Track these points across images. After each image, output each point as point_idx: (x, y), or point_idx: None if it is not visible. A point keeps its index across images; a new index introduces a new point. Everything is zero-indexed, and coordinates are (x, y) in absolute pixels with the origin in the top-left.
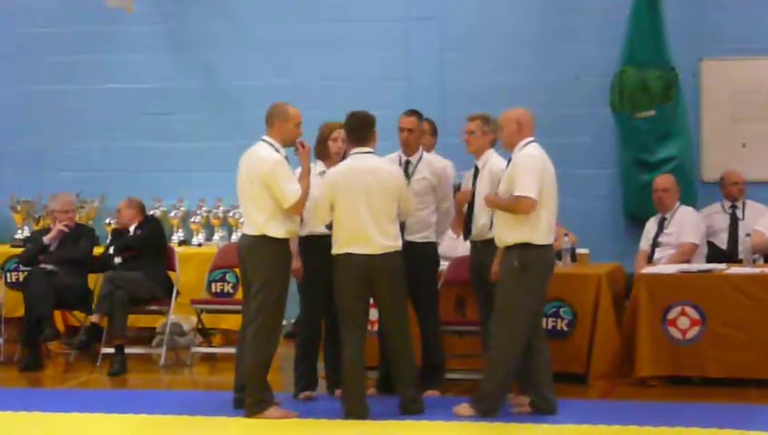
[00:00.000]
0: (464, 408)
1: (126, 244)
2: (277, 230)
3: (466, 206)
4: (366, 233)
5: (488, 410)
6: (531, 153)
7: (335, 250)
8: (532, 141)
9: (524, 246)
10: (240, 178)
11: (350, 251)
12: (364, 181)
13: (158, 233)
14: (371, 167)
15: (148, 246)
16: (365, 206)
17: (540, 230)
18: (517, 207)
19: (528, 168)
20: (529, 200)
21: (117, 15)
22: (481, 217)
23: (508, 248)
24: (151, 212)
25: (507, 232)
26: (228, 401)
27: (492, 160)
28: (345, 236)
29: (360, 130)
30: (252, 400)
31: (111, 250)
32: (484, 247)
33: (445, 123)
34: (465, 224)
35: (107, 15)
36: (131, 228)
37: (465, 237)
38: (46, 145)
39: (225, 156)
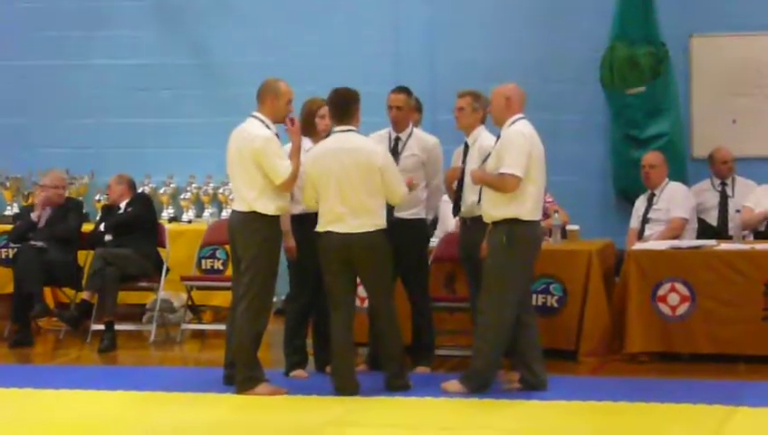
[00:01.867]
0: (453, 384)
1: (117, 221)
2: (267, 207)
3: (456, 182)
4: (339, 213)
5: (478, 386)
6: (519, 130)
7: (318, 228)
8: (522, 118)
9: (511, 222)
10: (230, 155)
11: (329, 229)
12: (338, 161)
13: (148, 210)
14: (347, 146)
15: (139, 223)
16: (338, 186)
17: (527, 206)
18: (502, 184)
19: (514, 145)
20: (514, 178)
21: None
22: (470, 194)
23: (495, 224)
24: (141, 189)
25: (494, 208)
26: (218, 378)
27: (482, 137)
28: (324, 216)
29: (342, 107)
30: (242, 376)
31: (102, 227)
32: (473, 224)
33: (435, 99)
34: (454, 201)
35: None
36: (122, 205)
37: (455, 214)
38: (35, 121)
39: (214, 132)
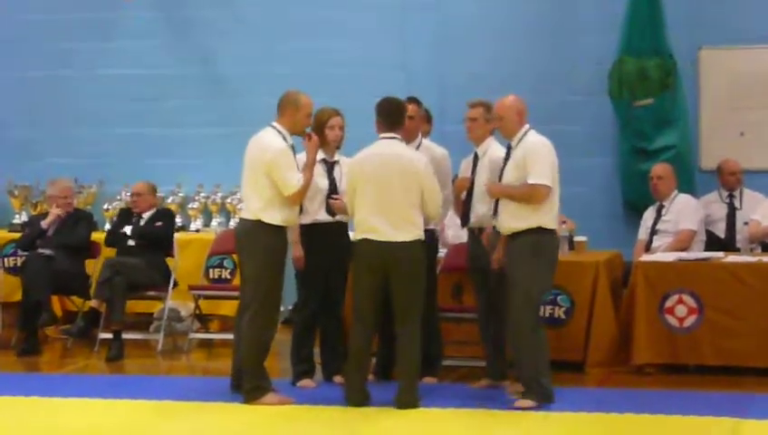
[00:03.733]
0: (523, 402)
1: (145, 232)
2: (273, 217)
3: (464, 193)
4: (379, 222)
5: (543, 395)
6: (542, 141)
7: (354, 236)
8: (531, 128)
9: (537, 231)
10: (245, 162)
11: (366, 237)
12: (385, 167)
13: (173, 226)
14: (395, 153)
15: (161, 238)
16: (381, 193)
17: (551, 215)
18: (533, 195)
19: (541, 155)
20: (545, 188)
21: (115, 2)
22: (480, 205)
23: (517, 235)
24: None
25: (517, 219)
26: (226, 387)
27: (492, 148)
28: (363, 223)
29: (393, 115)
30: (249, 386)
31: (129, 231)
32: (482, 235)
33: (443, 111)
34: (463, 211)
35: (105, 2)
36: (145, 215)
37: (464, 225)
38: (44, 130)
39: (222, 142)
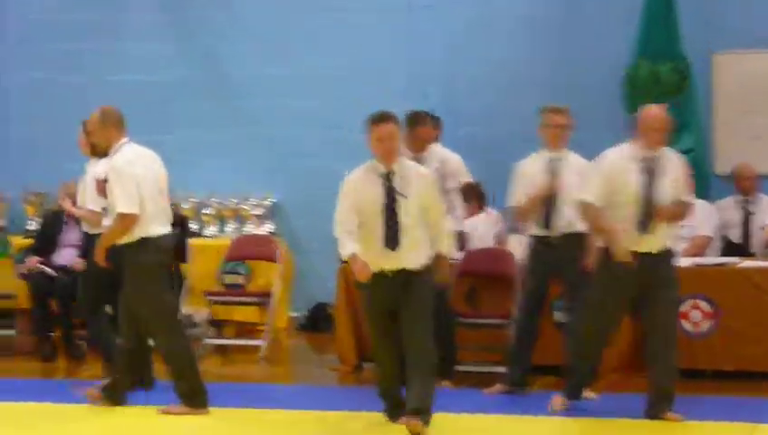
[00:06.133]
0: (673, 415)
1: None
2: None
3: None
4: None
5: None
6: (679, 155)
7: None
8: None
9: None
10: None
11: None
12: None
13: (186, 233)
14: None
15: (178, 245)
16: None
17: None
18: (689, 214)
19: (686, 171)
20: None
21: (122, 3)
22: (568, 210)
23: (666, 253)
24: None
25: (671, 239)
26: (241, 393)
27: (571, 153)
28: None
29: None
30: None
31: None
32: (567, 241)
33: (449, 114)
34: (546, 216)
35: (112, 3)
36: None
37: (545, 230)
38: (54, 134)
39: (234, 147)
